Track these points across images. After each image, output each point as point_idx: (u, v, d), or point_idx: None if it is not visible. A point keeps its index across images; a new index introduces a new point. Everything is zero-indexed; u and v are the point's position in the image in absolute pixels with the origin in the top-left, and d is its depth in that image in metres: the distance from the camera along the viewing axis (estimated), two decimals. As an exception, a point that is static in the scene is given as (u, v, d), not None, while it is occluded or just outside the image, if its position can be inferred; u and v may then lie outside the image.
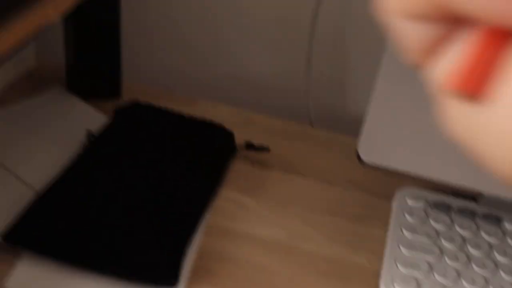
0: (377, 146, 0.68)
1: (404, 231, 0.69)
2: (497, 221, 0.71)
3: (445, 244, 0.68)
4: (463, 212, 0.71)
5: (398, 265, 0.65)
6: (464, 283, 0.64)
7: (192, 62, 0.91)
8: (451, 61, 0.23)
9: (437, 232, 0.69)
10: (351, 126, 0.79)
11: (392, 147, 0.68)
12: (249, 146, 0.76)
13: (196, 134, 0.74)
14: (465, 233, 0.69)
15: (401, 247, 0.67)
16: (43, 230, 0.61)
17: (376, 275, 0.65)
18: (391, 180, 0.74)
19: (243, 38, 0.87)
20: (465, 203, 0.72)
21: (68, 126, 0.76)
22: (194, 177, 0.69)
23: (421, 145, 0.68)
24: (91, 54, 0.79)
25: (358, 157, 0.68)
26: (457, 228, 0.70)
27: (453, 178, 0.68)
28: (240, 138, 0.77)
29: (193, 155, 0.71)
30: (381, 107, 0.67)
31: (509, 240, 0.69)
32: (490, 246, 0.68)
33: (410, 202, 0.72)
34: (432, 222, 0.70)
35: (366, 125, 0.68)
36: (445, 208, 0.71)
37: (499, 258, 0.67)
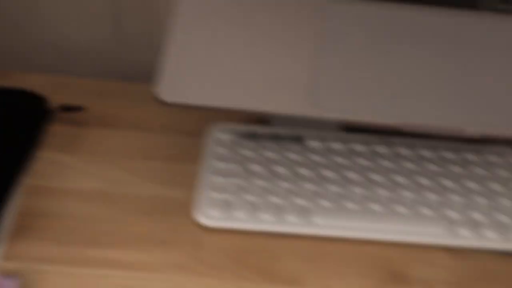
0: (178, 85, 0.73)
1: (215, 162, 0.74)
2: (298, 140, 0.78)
3: (253, 167, 0.74)
4: (268, 137, 0.78)
5: (210, 192, 0.71)
6: (271, 197, 0.70)
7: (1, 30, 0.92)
8: None
9: (246, 158, 0.75)
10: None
11: (193, 83, 0.73)
12: (65, 108, 0.79)
13: (4, 102, 0.77)
14: (271, 154, 0.75)
15: (212, 176, 0.72)
16: None
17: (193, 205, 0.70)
18: (201, 118, 0.80)
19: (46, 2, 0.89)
20: (271, 129, 0.79)
21: None
22: (4, 143, 0.72)
23: (219, 79, 0.73)
24: None
25: (160, 100, 0.72)
26: (264, 152, 0.76)
27: (252, 105, 0.74)
28: (56, 102, 0.79)
29: (2, 123, 0.74)
30: (179, 48, 0.72)
31: (310, 155, 0.76)
32: (294, 162, 0.75)
33: (220, 135, 0.77)
34: (241, 150, 0.76)
35: (164, 67, 0.72)
36: (253, 136, 0.77)
37: (303, 171, 0.74)
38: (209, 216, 0.69)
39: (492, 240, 0.68)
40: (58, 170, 0.74)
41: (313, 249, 0.68)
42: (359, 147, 0.77)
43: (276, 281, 0.65)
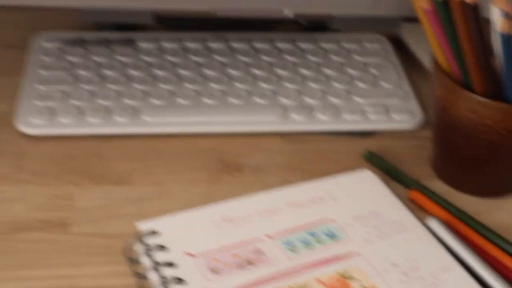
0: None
1: (40, 70, 0.70)
2: (129, 43, 0.75)
3: (81, 72, 0.71)
4: (98, 42, 0.74)
5: (33, 101, 0.67)
6: (99, 100, 0.68)
7: None
8: None
9: (73, 64, 0.72)
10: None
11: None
12: None
13: None
14: (100, 59, 0.72)
15: (36, 85, 0.69)
16: None
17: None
18: (27, 29, 0.76)
19: None
20: (100, 34, 0.75)
21: None
22: None
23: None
24: None
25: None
26: (93, 57, 0.73)
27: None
28: None
29: None
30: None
31: (141, 56, 0.73)
32: (124, 65, 0.72)
33: (45, 44, 0.73)
34: (68, 57, 0.72)
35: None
36: (81, 42, 0.74)
37: (134, 73, 0.71)
38: (31, 124, 0.65)
39: (324, 122, 0.68)
40: None
41: (144, 148, 0.66)
42: (192, 45, 0.75)
43: (105, 182, 0.62)
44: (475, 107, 0.58)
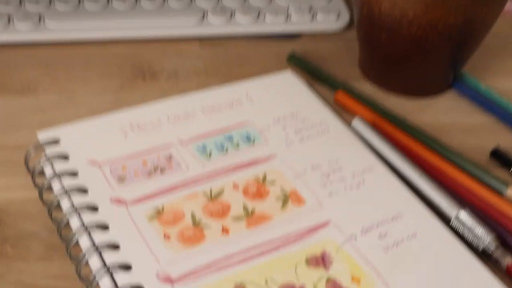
0: None
1: None
2: None
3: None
4: None
5: None
6: (-1, 6, 0.62)
7: None
8: None
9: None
10: None
11: None
12: None
13: None
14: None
15: None
16: None
17: None
18: None
19: None
20: None
21: None
22: None
23: None
24: None
25: None
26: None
27: None
28: None
29: None
30: None
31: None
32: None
33: None
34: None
35: None
36: None
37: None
38: None
39: (245, 25, 0.64)
40: None
41: (49, 56, 0.61)
42: None
43: (7, 91, 0.57)
44: (396, 0, 0.54)
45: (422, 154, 0.54)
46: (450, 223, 0.49)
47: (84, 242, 0.45)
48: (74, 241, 0.44)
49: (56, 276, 0.45)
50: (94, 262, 0.43)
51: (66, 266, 0.45)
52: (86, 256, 0.43)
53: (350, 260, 0.44)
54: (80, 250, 0.44)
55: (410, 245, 0.45)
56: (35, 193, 0.48)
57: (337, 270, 0.44)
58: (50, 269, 0.45)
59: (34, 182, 0.49)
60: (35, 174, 0.49)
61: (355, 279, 0.43)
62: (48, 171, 0.49)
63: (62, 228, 0.45)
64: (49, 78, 0.59)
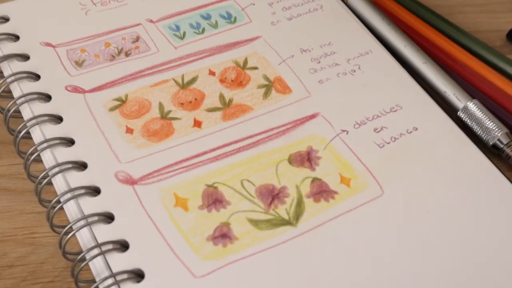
0: None
1: None
2: None
3: None
4: None
5: None
6: None
7: None
8: None
9: None
10: None
11: None
12: None
13: None
14: None
15: None
16: None
17: None
18: None
19: None
20: None
21: None
22: None
23: None
24: None
25: None
26: None
27: None
28: None
29: None
30: None
31: None
32: None
33: None
34: None
35: None
36: None
37: None
38: None
39: None
40: None
41: None
42: None
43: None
44: None
45: (429, 35, 0.47)
46: (457, 114, 0.42)
47: (34, 135, 0.39)
48: (22, 134, 0.39)
49: (3, 175, 0.40)
50: (46, 159, 0.38)
51: (14, 164, 0.40)
52: (37, 152, 0.38)
53: (339, 158, 0.38)
54: (31, 145, 0.39)
55: (409, 140, 0.39)
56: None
57: (324, 170, 0.38)
58: (-3, 167, 0.40)
59: (-21, 66, 0.42)
60: (-20, 57, 0.42)
61: (345, 180, 0.38)
62: (-4, 53, 0.43)
63: (9, 119, 0.40)
64: None
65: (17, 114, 0.40)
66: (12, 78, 0.40)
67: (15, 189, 0.39)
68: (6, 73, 0.41)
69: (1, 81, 0.41)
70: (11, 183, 0.39)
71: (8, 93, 0.41)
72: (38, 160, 0.38)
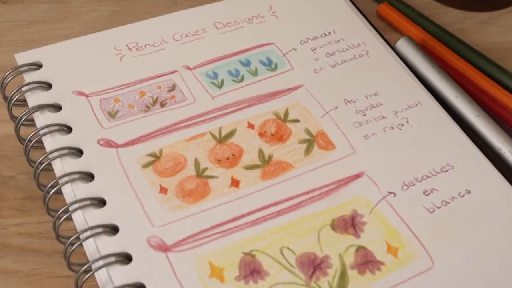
0: None
1: None
2: None
3: None
4: None
5: None
6: None
7: None
8: None
9: None
10: None
11: None
12: None
13: None
14: None
15: None
16: None
17: None
18: None
19: None
20: None
21: None
22: None
23: None
24: None
25: None
26: None
27: None
28: None
29: None
30: None
31: None
32: None
33: None
34: None
35: None
36: None
37: None
38: None
39: None
40: None
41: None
42: None
43: (-12, 0, 0.49)
44: None
45: (481, 84, 0.44)
46: (513, 174, 0.40)
47: (65, 192, 0.37)
48: (52, 192, 0.37)
49: (32, 234, 0.38)
50: (76, 220, 0.36)
51: (44, 221, 0.38)
52: (67, 213, 0.36)
53: (386, 223, 0.36)
54: (61, 201, 0.37)
55: (462, 204, 0.37)
56: (12, 128, 0.40)
57: (369, 237, 0.35)
58: (25, 225, 0.38)
59: (10, 114, 0.41)
60: (10, 104, 0.41)
61: (392, 249, 0.35)
62: (30, 101, 0.41)
63: (39, 174, 0.38)
64: (39, -17, 0.50)
65: (48, 166, 0.39)
66: (45, 130, 0.39)
67: (43, 250, 0.37)
68: (38, 124, 0.40)
69: (33, 133, 0.39)
70: (39, 243, 0.37)
71: (39, 143, 0.39)
72: (69, 218, 0.36)
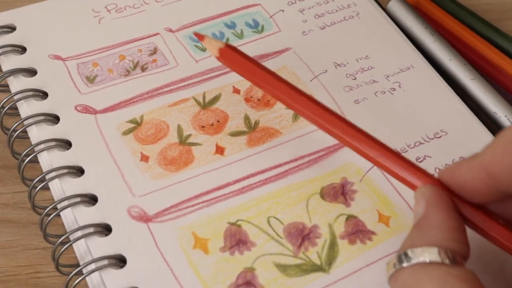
0: None
1: None
2: None
3: None
4: None
5: None
6: None
7: None
8: None
9: None
10: None
11: None
12: None
13: None
14: None
15: None
16: None
17: None
18: None
19: None
20: None
21: None
22: None
23: None
24: None
25: None
26: None
27: None
28: None
29: None
30: None
31: None
32: None
33: None
34: None
35: None
36: None
37: None
38: None
39: None
40: None
41: None
42: None
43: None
44: None
45: (477, 46, 0.42)
46: None
47: (41, 161, 0.35)
48: (27, 160, 0.35)
49: (6, 205, 0.36)
50: (54, 189, 0.34)
51: (19, 191, 0.36)
52: (43, 182, 0.34)
53: (377, 191, 0.34)
54: (37, 169, 0.35)
55: (456, 171, 0.35)
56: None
57: (360, 206, 0.34)
58: (1, 196, 0.36)
59: (-17, 80, 0.39)
60: (-16, 70, 0.39)
61: (383, 218, 0.34)
62: (2, 66, 0.39)
63: (13, 141, 0.36)
64: None
65: (23, 134, 0.37)
66: (19, 96, 0.37)
67: (19, 221, 0.36)
68: (12, 89, 0.38)
69: (7, 98, 0.37)
70: (15, 213, 0.36)
71: (14, 110, 0.38)
72: (45, 187, 0.35)
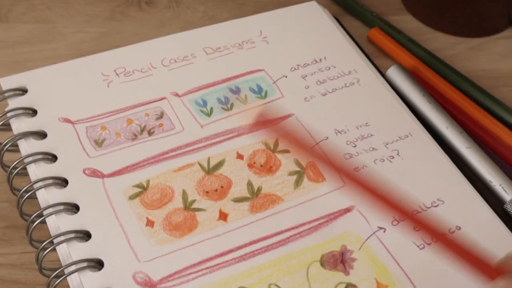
0: None
1: None
2: None
3: None
4: None
5: None
6: None
7: None
8: None
9: None
10: None
11: None
12: None
13: None
14: None
15: None
16: None
17: None
18: None
19: None
20: None
21: None
22: None
23: None
24: None
25: None
26: None
27: None
28: None
29: None
30: None
31: None
32: None
33: None
34: None
35: None
36: None
37: None
38: None
39: None
40: None
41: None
42: None
43: (-27, 19, 0.48)
44: None
45: (473, 114, 0.44)
46: (504, 207, 0.39)
47: (50, 224, 0.36)
48: (36, 223, 0.36)
49: (14, 265, 0.37)
50: (61, 253, 0.35)
51: (27, 252, 0.37)
52: (51, 246, 0.35)
53: (375, 260, 0.35)
54: (45, 231, 0.36)
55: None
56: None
57: (359, 274, 0.35)
58: (7, 255, 0.37)
59: (-6, 141, 0.40)
60: (-4, 131, 0.40)
61: (381, 287, 0.35)
62: (13, 127, 0.40)
63: (23, 203, 0.37)
64: (23, 3, 0.49)
65: (33, 194, 0.38)
66: (29, 159, 0.38)
67: (25, 282, 0.36)
68: (23, 152, 0.39)
69: (17, 161, 0.38)
70: (21, 274, 0.37)
71: (23, 170, 0.39)
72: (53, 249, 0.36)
